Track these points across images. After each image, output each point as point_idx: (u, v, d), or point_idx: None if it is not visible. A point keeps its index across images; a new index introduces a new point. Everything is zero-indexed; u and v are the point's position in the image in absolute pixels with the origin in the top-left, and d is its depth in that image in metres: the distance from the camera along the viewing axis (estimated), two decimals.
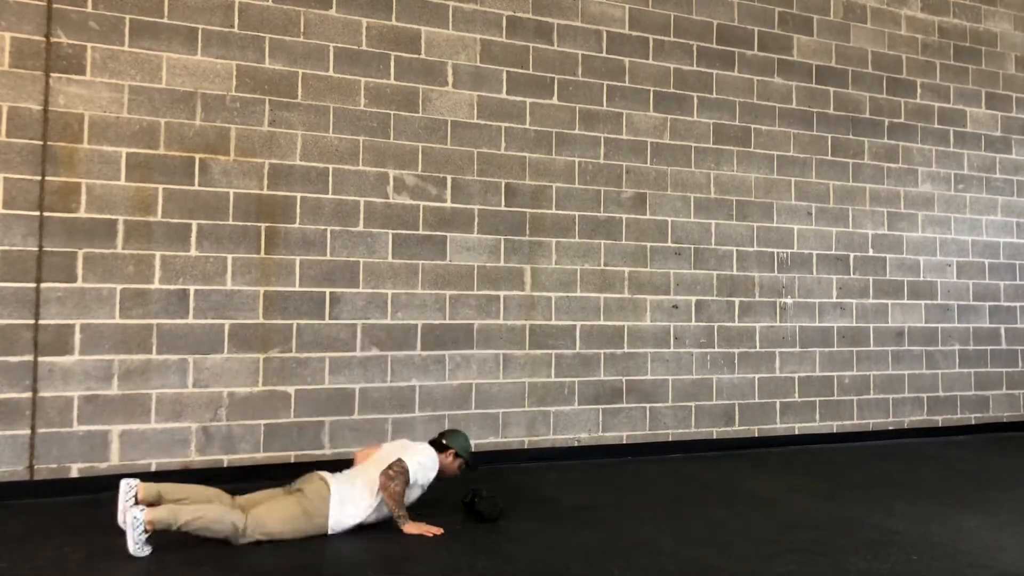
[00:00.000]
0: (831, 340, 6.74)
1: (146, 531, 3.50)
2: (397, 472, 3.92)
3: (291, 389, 5.15)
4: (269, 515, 3.74)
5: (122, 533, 3.57)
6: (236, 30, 5.13)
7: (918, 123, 7.22)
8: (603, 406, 5.95)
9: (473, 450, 4.40)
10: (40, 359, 4.63)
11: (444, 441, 4.31)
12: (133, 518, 3.49)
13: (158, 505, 3.63)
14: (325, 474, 3.99)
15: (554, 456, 5.77)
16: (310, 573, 3.38)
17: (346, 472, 4.10)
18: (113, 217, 4.81)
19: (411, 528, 3.91)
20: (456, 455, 4.30)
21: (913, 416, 7.02)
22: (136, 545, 3.49)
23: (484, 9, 5.77)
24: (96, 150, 4.80)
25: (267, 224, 5.14)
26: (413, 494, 4.11)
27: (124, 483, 3.64)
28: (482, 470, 5.40)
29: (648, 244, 6.17)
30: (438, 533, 3.90)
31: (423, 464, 4.08)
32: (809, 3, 6.86)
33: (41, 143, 4.69)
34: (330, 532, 3.86)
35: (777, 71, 6.70)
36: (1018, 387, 7.48)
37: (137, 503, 3.63)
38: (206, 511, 3.62)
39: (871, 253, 6.95)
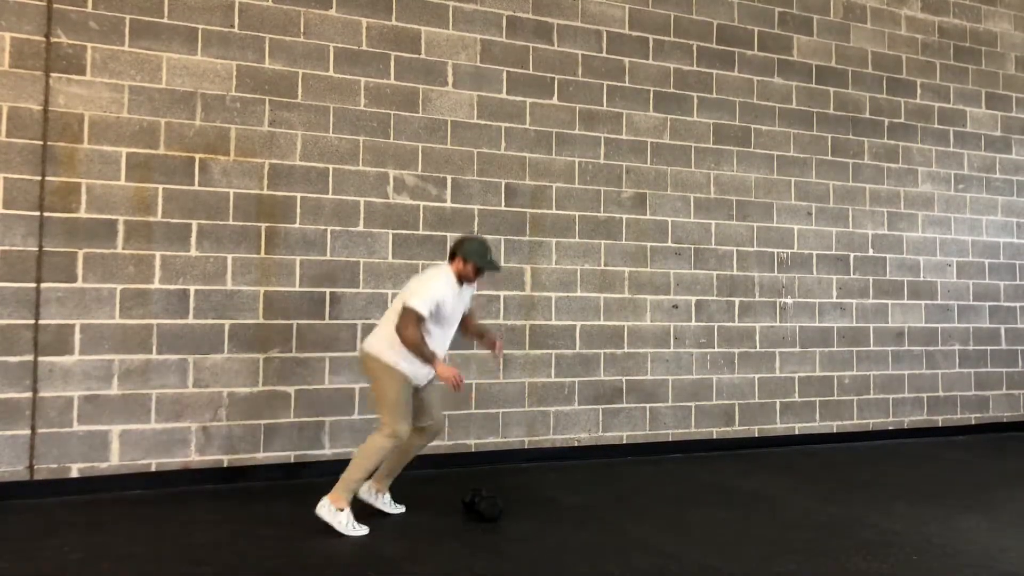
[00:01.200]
0: (831, 340, 6.74)
1: (339, 509, 3.95)
2: (405, 321, 3.91)
3: (291, 389, 5.15)
4: (384, 409, 4.01)
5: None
6: (236, 30, 5.13)
7: (918, 123, 7.22)
8: (603, 406, 5.96)
9: (486, 249, 4.13)
10: (40, 359, 4.63)
11: (453, 250, 4.17)
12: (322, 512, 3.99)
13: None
14: (370, 352, 4.09)
15: (554, 456, 5.77)
16: (310, 572, 3.38)
17: (378, 335, 4.13)
18: (113, 217, 4.81)
19: (444, 369, 3.95)
20: (464, 260, 4.11)
21: (913, 416, 7.02)
22: (341, 527, 3.94)
23: (484, 9, 5.77)
24: (96, 150, 4.80)
25: (267, 224, 5.14)
26: (437, 326, 4.05)
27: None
28: (482, 470, 5.41)
29: (648, 244, 6.17)
30: (462, 383, 3.97)
31: (427, 286, 3.99)
32: (809, 3, 6.86)
33: (41, 143, 4.69)
34: (413, 380, 4.08)
35: (777, 71, 6.70)
36: (1018, 387, 7.48)
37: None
38: (356, 459, 4.00)
39: (871, 253, 6.95)
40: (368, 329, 5.32)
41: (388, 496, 4.33)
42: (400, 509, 4.34)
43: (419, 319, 3.92)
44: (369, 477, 4.13)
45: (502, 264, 5.69)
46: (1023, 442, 6.92)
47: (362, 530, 3.95)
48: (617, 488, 5.02)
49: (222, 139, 5.07)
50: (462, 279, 4.13)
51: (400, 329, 3.90)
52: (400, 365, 4.01)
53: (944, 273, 7.23)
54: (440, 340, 4.11)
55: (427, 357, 3.92)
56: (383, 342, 4.04)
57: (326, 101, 5.32)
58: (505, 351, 5.67)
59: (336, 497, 3.96)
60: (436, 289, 4.00)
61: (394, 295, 5.41)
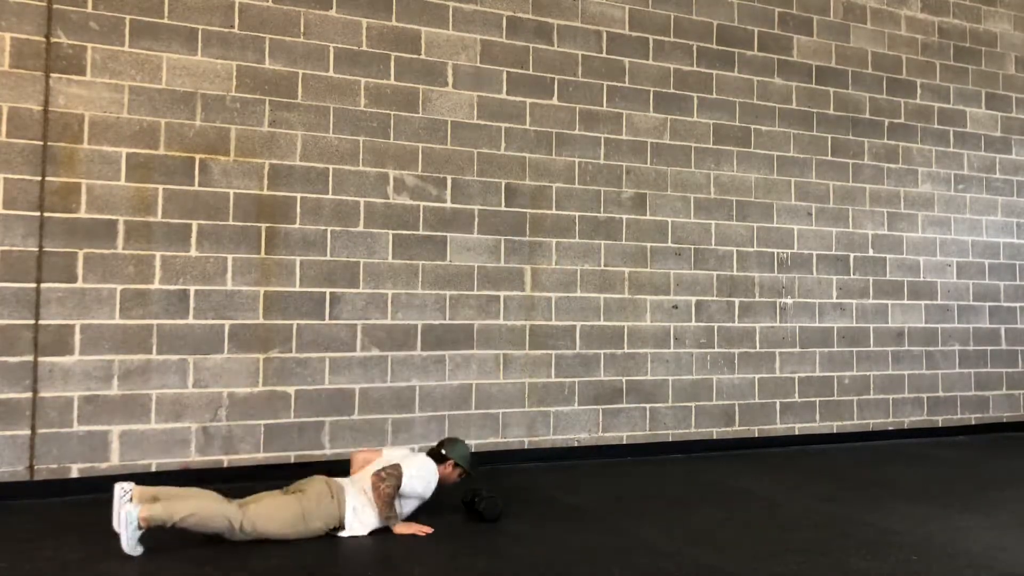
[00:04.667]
0: (831, 340, 6.74)
1: (140, 527, 3.47)
2: (389, 474, 3.92)
3: (291, 389, 5.14)
4: (266, 514, 3.73)
5: (118, 535, 3.55)
6: (236, 30, 5.13)
7: (918, 123, 7.22)
8: (603, 406, 5.95)
9: (471, 453, 4.42)
10: (40, 359, 4.63)
11: (443, 452, 4.27)
12: (127, 514, 3.47)
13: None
14: (334, 481, 3.97)
15: (554, 456, 5.77)
16: (310, 573, 3.38)
17: (354, 479, 4.07)
18: (113, 217, 4.81)
19: (402, 528, 3.92)
20: (455, 465, 4.27)
21: (913, 416, 7.02)
22: (129, 542, 3.47)
23: (484, 9, 5.77)
24: (96, 150, 4.80)
25: (267, 224, 5.14)
26: (410, 505, 4.09)
27: (118, 486, 3.63)
28: (482, 470, 5.41)
29: (648, 244, 6.17)
30: (429, 532, 3.91)
31: (419, 477, 4.05)
32: (809, 3, 6.86)
33: (41, 143, 4.69)
34: (344, 534, 3.88)
35: (777, 71, 6.70)
36: (1018, 387, 7.48)
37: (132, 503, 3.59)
38: (202, 506, 3.62)
39: (871, 253, 6.95)
40: (368, 330, 5.32)
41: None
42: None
43: (398, 485, 3.93)
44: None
45: (502, 264, 5.71)
46: (1023, 442, 6.92)
47: (137, 549, 3.49)
48: (617, 488, 5.02)
49: (222, 139, 5.07)
50: (445, 482, 4.21)
51: (381, 479, 3.89)
52: (347, 529, 3.89)
53: (944, 273, 7.23)
54: None
55: (387, 515, 3.91)
56: (358, 506, 3.92)
57: (326, 101, 5.32)
58: (505, 351, 5.68)
59: (147, 516, 3.48)
60: (428, 487, 4.09)
61: (394, 295, 5.41)
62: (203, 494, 3.77)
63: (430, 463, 4.17)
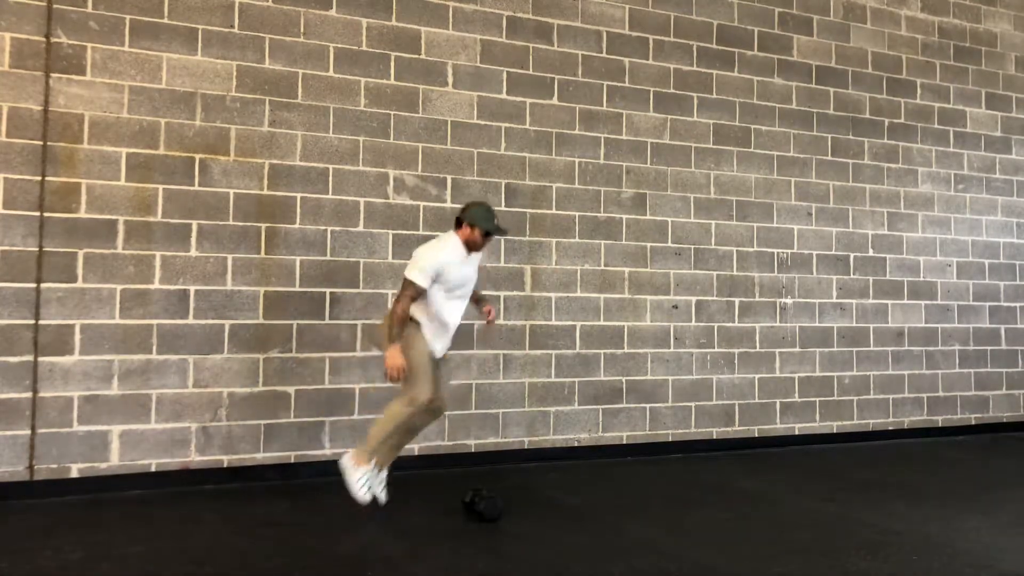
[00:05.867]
0: (831, 340, 6.74)
1: (357, 465, 4.14)
2: (400, 293, 4.09)
3: (291, 389, 5.15)
4: (410, 377, 4.09)
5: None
6: (236, 30, 5.13)
7: (918, 123, 7.22)
8: (603, 406, 5.96)
9: (489, 211, 4.24)
10: (40, 359, 4.63)
11: (459, 217, 4.23)
12: (344, 464, 4.18)
13: None
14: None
15: (554, 456, 5.77)
16: (310, 572, 3.38)
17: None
18: (113, 217, 4.81)
19: (393, 356, 4.07)
20: (471, 226, 4.17)
21: (913, 416, 7.02)
22: (353, 484, 4.14)
23: (484, 9, 5.77)
24: (96, 150, 4.80)
25: (267, 224, 5.14)
26: (448, 294, 4.17)
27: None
28: (482, 470, 5.41)
29: (648, 244, 6.17)
30: (397, 378, 4.08)
31: (427, 256, 4.08)
32: (809, 3, 6.86)
33: (41, 143, 4.69)
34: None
35: (777, 71, 6.70)
36: (1018, 387, 7.48)
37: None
38: (376, 424, 4.16)
39: (871, 253, 6.95)
40: (368, 330, 5.32)
41: (385, 474, 4.37)
42: (383, 497, 4.35)
43: (417, 291, 4.06)
44: (389, 449, 4.28)
45: (502, 264, 5.70)
46: (1023, 442, 6.92)
47: (367, 497, 4.15)
48: (617, 488, 5.02)
49: (222, 139, 5.07)
50: (470, 246, 4.22)
51: (397, 300, 4.08)
52: (423, 329, 4.17)
53: (944, 273, 7.23)
54: (451, 309, 4.21)
55: (393, 336, 4.07)
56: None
57: (326, 101, 5.32)
58: (505, 351, 5.68)
59: (358, 455, 4.17)
60: (436, 257, 4.08)
61: (393, 295, 5.41)
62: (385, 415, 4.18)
63: (439, 238, 4.24)
